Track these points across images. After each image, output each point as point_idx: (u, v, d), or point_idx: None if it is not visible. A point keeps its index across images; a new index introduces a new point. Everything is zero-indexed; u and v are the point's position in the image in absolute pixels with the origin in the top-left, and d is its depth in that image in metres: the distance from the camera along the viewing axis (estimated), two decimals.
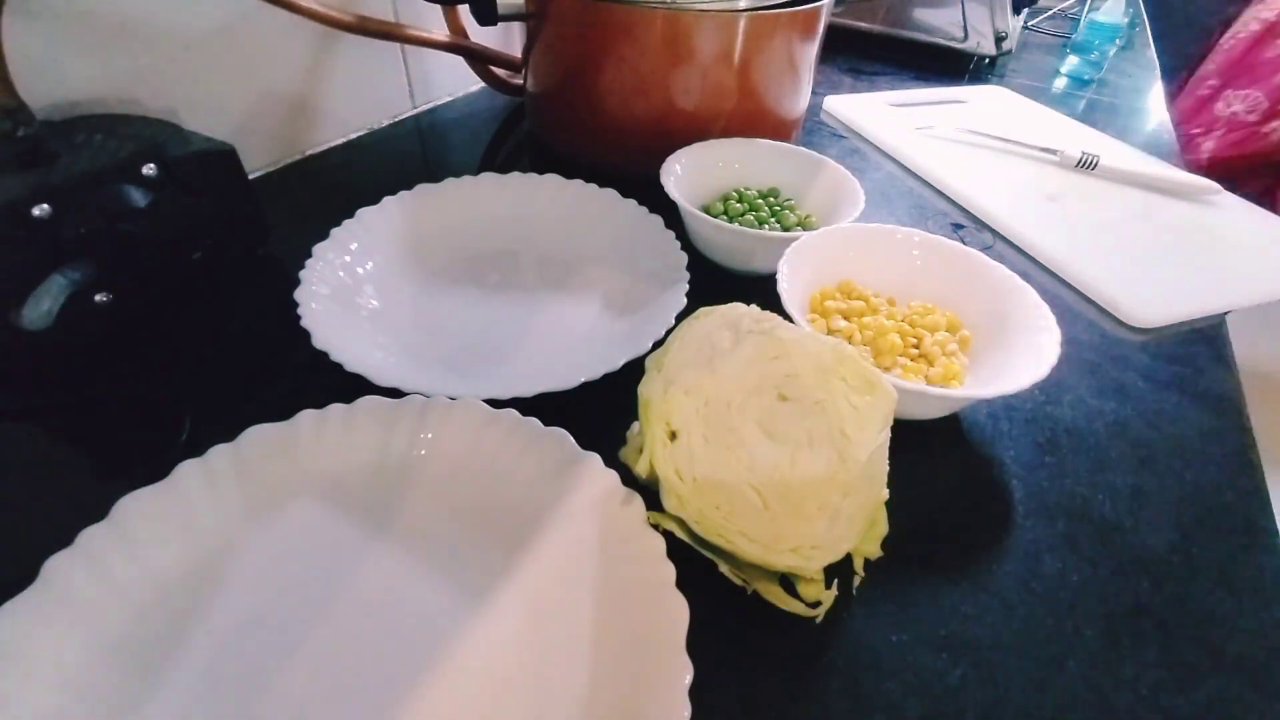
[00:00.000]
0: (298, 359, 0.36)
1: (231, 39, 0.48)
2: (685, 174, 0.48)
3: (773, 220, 0.47)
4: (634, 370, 0.31)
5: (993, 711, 0.25)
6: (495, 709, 0.24)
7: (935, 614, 0.28)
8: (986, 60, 0.90)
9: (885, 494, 0.29)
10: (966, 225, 0.55)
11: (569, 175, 0.49)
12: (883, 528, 0.29)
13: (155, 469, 0.27)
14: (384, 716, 0.23)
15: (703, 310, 0.30)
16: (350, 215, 0.42)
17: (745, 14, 0.48)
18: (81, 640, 0.23)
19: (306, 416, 0.30)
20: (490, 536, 0.28)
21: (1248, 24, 1.34)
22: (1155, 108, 0.85)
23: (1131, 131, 0.74)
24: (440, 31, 0.58)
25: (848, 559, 0.28)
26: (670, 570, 0.25)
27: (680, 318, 0.32)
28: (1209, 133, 1.36)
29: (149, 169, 0.36)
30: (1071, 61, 0.92)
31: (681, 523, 0.27)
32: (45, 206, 0.32)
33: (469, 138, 0.64)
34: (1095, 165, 0.61)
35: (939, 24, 0.89)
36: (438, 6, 0.56)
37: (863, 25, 0.92)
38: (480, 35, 0.60)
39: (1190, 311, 0.46)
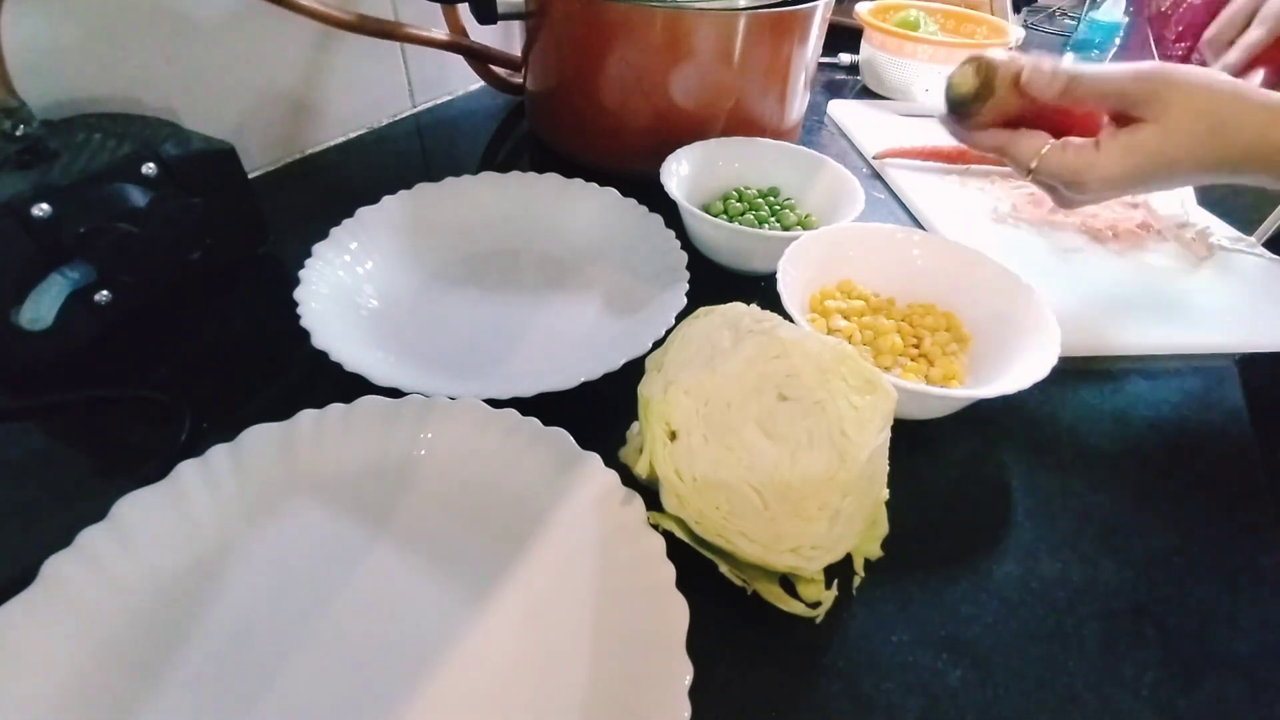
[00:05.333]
0: (298, 359, 0.36)
1: (231, 38, 0.48)
2: (685, 173, 0.48)
3: (772, 220, 0.47)
4: (634, 370, 0.31)
5: (993, 711, 0.25)
6: (495, 709, 0.24)
7: (935, 614, 0.28)
8: None
9: (885, 494, 0.29)
10: None
11: (569, 175, 0.49)
12: (883, 528, 0.29)
13: (155, 469, 0.27)
14: (383, 716, 0.23)
15: (703, 310, 0.30)
16: (350, 215, 0.42)
17: (745, 14, 0.48)
18: (81, 640, 0.23)
19: (306, 416, 0.30)
20: (490, 536, 0.28)
21: None
22: None
23: None
24: (440, 30, 0.58)
25: (848, 559, 0.28)
26: (670, 570, 0.25)
27: (680, 318, 0.32)
28: None
29: (148, 168, 0.36)
30: (1071, 60, 0.92)
31: (681, 523, 0.27)
32: (45, 206, 0.32)
33: (469, 137, 0.64)
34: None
35: None
36: (437, 5, 0.56)
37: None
38: (480, 34, 0.60)
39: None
